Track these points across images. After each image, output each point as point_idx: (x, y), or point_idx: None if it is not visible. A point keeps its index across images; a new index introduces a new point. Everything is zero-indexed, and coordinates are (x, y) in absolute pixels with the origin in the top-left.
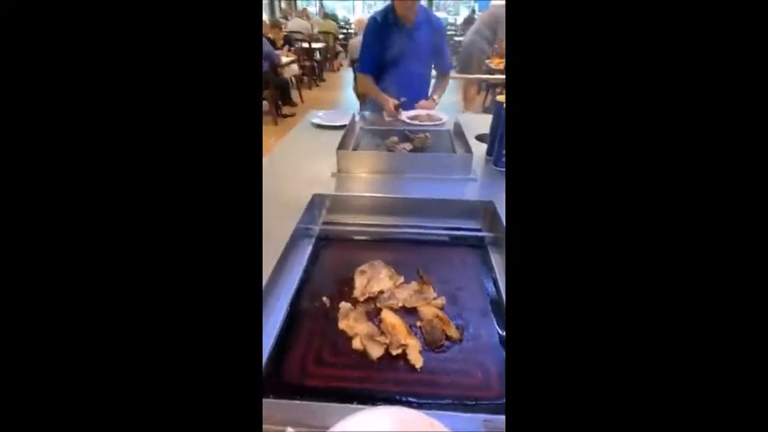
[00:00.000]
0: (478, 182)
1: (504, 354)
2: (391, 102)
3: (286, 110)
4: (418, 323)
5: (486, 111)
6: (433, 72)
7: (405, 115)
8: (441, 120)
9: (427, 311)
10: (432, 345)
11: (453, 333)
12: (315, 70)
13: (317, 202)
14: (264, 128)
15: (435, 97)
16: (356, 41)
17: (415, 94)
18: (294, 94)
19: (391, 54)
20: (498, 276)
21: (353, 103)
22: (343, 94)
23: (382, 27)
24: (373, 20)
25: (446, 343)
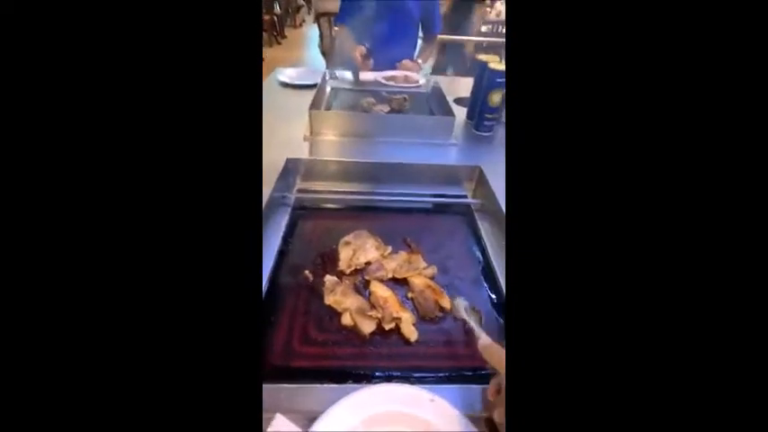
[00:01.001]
0: (459, 146)
1: (502, 322)
2: (357, 49)
3: None
4: (410, 294)
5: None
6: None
7: (381, 75)
8: (418, 82)
9: (418, 282)
10: (425, 316)
11: (446, 303)
12: (275, 26)
13: (290, 168)
14: None
15: (420, 61)
16: None
17: (399, 52)
18: None
19: (376, 8)
20: (487, 244)
21: (319, 62)
22: (306, 53)
23: None
24: None
25: (439, 314)
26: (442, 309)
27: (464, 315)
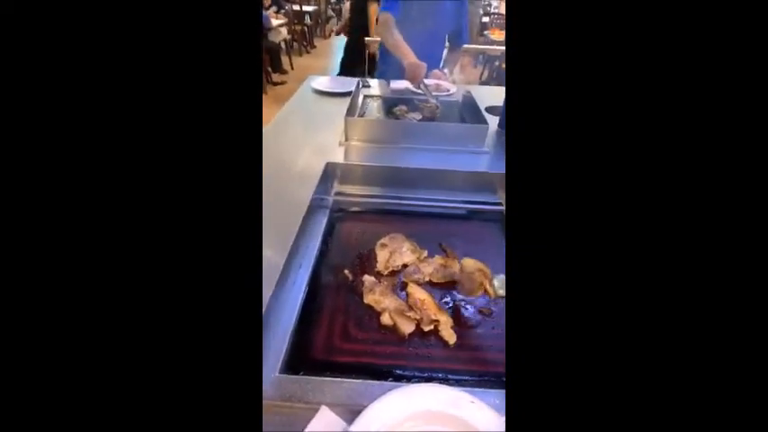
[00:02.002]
0: (492, 154)
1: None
2: (413, 56)
3: (276, 77)
4: (456, 277)
5: (484, 83)
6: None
7: (425, 84)
8: (449, 90)
9: (469, 264)
10: (468, 293)
11: (490, 290)
12: (305, 36)
13: (329, 172)
14: None
15: (446, 71)
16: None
17: (428, 62)
18: (284, 61)
19: (411, 13)
20: None
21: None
22: (334, 62)
23: None
24: None
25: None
26: (486, 292)
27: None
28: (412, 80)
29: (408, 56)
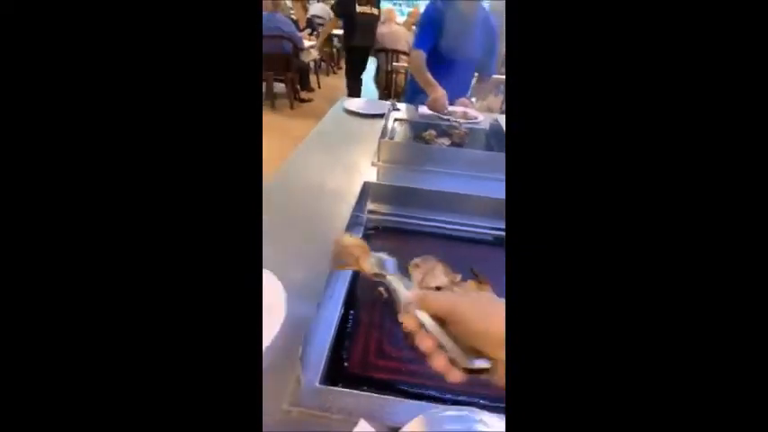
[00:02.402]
0: None
1: None
2: (440, 90)
3: (303, 95)
4: None
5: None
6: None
7: (449, 111)
8: (476, 118)
9: (348, 240)
10: (343, 267)
11: (365, 266)
12: (333, 57)
13: (365, 191)
14: (280, 111)
15: (473, 99)
16: (384, 31)
17: (456, 90)
18: (312, 80)
19: (444, 44)
20: None
21: (371, 92)
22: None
23: (443, 13)
24: (436, 2)
25: None
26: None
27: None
28: (437, 110)
29: (433, 90)
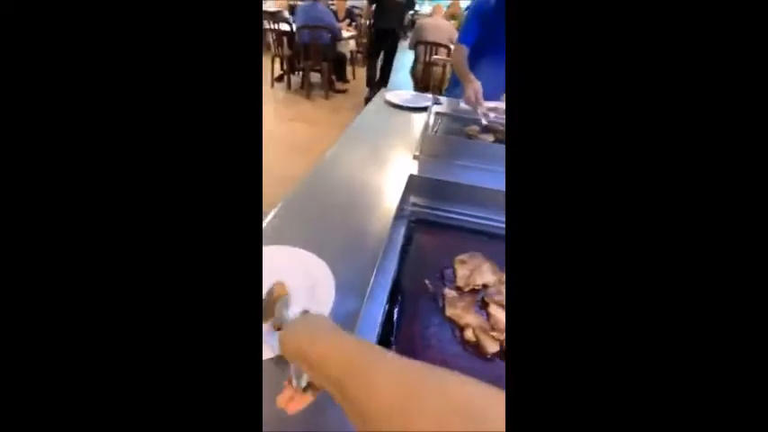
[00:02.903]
0: None
1: None
2: (475, 83)
3: (338, 85)
4: None
5: None
6: None
7: (484, 106)
8: None
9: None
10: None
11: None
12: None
13: (410, 184)
14: (315, 101)
15: None
16: (426, 23)
17: (500, 86)
18: (348, 70)
19: (488, 39)
20: None
21: (406, 84)
22: (396, 76)
23: (488, 8)
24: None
25: None
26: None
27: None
28: (471, 104)
29: (469, 82)
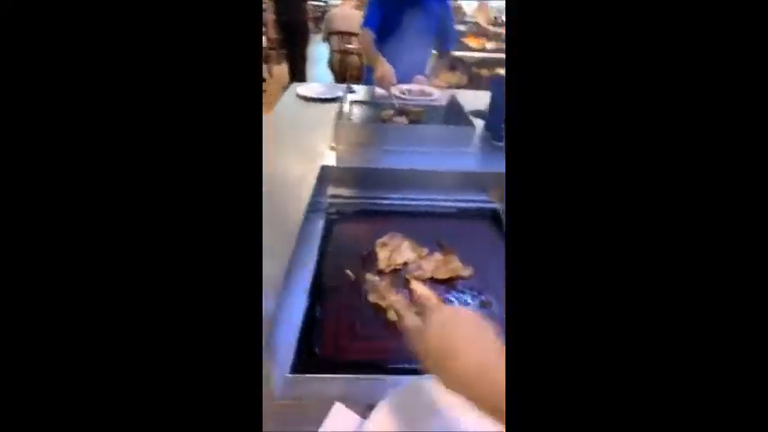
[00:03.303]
0: (478, 156)
1: None
2: (388, 67)
3: None
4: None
5: (462, 88)
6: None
7: (397, 88)
8: (433, 95)
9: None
10: None
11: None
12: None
13: (323, 176)
14: None
15: (433, 77)
16: (335, 13)
17: (412, 68)
18: (263, 68)
19: (396, 20)
20: None
21: (325, 78)
22: (313, 70)
23: None
24: None
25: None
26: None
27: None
28: (383, 86)
29: (379, 65)
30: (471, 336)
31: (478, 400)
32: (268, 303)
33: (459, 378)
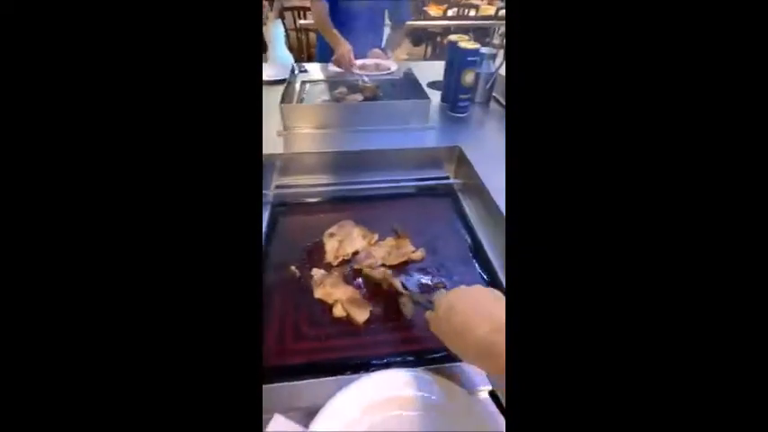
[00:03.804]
0: (437, 129)
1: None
2: (345, 45)
3: None
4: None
5: (427, 60)
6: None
7: (355, 66)
8: (389, 69)
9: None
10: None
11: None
12: None
13: (267, 165)
14: None
15: (388, 51)
16: None
17: (367, 41)
18: None
19: None
20: (473, 222)
21: (286, 59)
22: (270, 53)
23: None
24: None
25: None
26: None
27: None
28: (343, 67)
29: (338, 45)
30: (477, 310)
31: (495, 369)
32: None
33: (474, 352)
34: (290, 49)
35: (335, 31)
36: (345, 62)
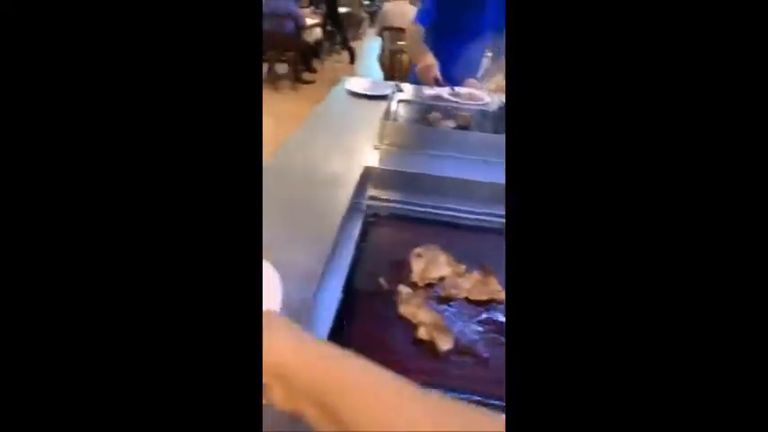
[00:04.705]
0: None
1: None
2: (431, 57)
3: (306, 76)
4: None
5: None
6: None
7: (445, 91)
8: (483, 100)
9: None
10: None
11: None
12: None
13: (366, 177)
14: (282, 93)
15: (485, 82)
16: (390, 8)
17: (463, 69)
18: (314, 60)
19: (451, 18)
20: None
21: (374, 73)
22: (363, 64)
23: None
24: None
25: None
26: None
27: None
28: (426, 80)
29: (422, 59)
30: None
31: None
32: (304, 301)
33: None
34: (382, 65)
35: (424, 47)
36: (427, 73)
